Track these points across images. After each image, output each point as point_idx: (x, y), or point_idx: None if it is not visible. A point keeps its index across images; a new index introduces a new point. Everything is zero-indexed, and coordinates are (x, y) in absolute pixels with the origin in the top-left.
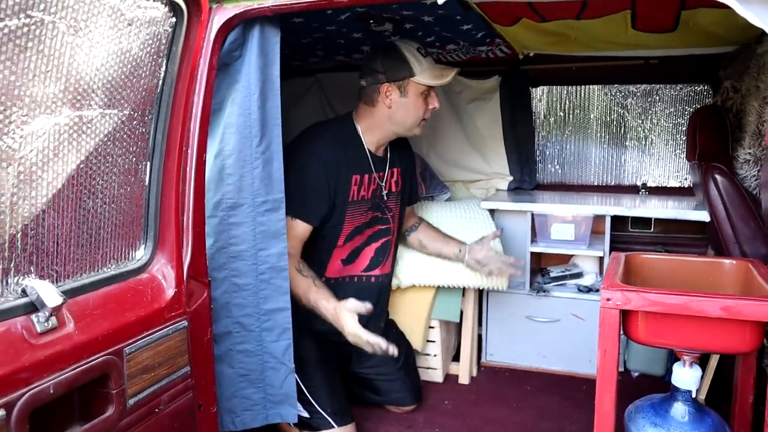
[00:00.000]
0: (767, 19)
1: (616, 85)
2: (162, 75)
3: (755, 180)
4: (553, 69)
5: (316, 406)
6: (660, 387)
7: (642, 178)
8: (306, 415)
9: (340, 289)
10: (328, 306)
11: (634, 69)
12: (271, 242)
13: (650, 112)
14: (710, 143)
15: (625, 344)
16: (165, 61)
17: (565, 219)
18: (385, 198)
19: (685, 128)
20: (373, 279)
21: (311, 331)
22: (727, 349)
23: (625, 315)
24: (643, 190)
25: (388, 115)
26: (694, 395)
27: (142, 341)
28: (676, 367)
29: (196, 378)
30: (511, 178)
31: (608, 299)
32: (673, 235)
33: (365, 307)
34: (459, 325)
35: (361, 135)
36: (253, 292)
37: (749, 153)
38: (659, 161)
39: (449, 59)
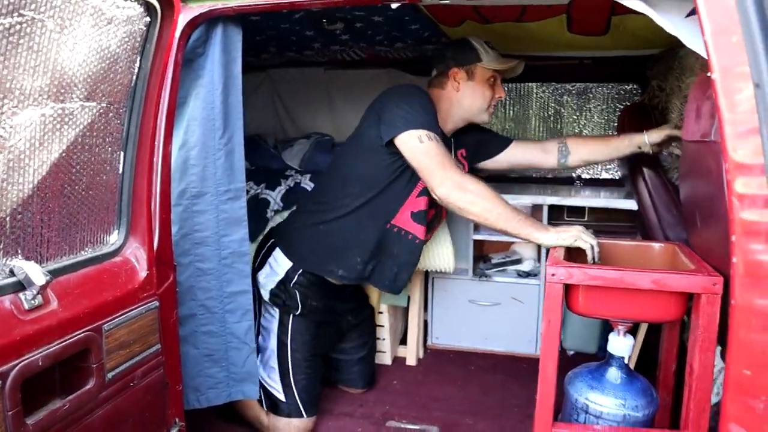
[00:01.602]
0: (680, 26)
1: (553, 83)
2: (136, 70)
3: (677, 172)
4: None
5: (295, 392)
6: (592, 361)
7: (577, 170)
8: (282, 398)
9: (397, 242)
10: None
11: (570, 68)
12: (233, 229)
13: (584, 108)
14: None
15: (561, 325)
16: (139, 58)
17: None
18: None
19: (615, 124)
20: (417, 240)
21: (329, 276)
22: (656, 318)
23: (568, 289)
24: (577, 182)
25: (457, 99)
26: (626, 361)
27: (119, 319)
28: (611, 336)
29: (165, 356)
30: None
31: (553, 274)
32: (604, 223)
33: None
34: (406, 310)
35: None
36: (217, 276)
37: (675, 145)
38: None
39: (396, 56)
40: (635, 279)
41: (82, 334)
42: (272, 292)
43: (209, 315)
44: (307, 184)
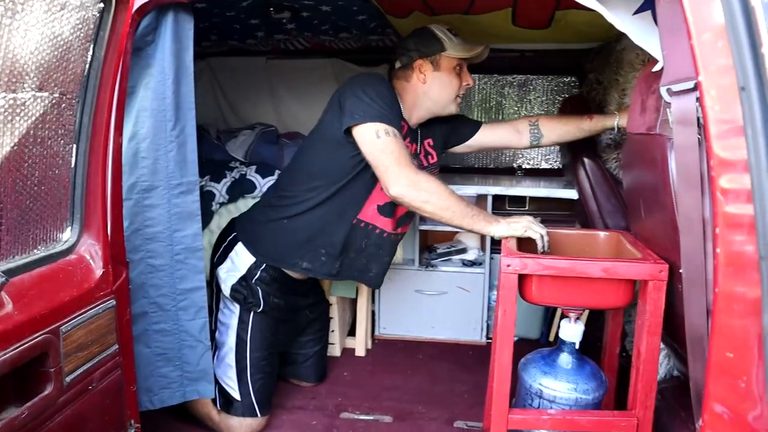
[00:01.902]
0: (628, 22)
1: (495, 75)
2: (89, 59)
3: (615, 162)
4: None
5: (251, 391)
6: (534, 348)
7: (518, 160)
8: (237, 397)
9: (365, 237)
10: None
11: (512, 60)
12: (186, 223)
13: (525, 100)
14: None
15: None
16: (92, 46)
17: None
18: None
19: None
20: (398, 237)
21: (293, 269)
22: (606, 305)
23: (521, 279)
24: (518, 172)
25: (423, 91)
26: (577, 347)
27: (76, 320)
28: (563, 323)
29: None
30: None
31: (508, 265)
32: (545, 212)
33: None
34: (353, 301)
35: (400, 102)
36: (169, 273)
37: (610, 138)
38: None
39: (341, 46)
40: (586, 268)
41: (40, 338)
42: (233, 288)
43: (162, 313)
44: (254, 176)
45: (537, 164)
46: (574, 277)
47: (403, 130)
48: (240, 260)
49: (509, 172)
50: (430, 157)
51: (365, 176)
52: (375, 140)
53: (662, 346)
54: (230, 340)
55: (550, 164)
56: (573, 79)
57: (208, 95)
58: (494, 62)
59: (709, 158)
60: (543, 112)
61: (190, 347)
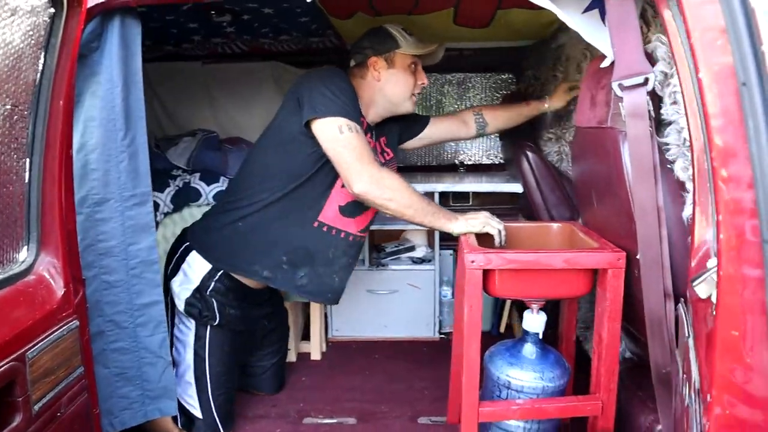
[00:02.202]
0: (578, 21)
1: (434, 73)
2: (41, 67)
3: (557, 155)
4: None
5: (213, 408)
6: (486, 339)
7: (459, 157)
8: (199, 415)
9: (332, 245)
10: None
11: (451, 59)
12: (141, 236)
13: (464, 97)
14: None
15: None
16: (44, 53)
17: None
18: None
19: None
20: (362, 239)
21: (253, 277)
22: (568, 294)
23: (485, 274)
24: (461, 168)
25: (378, 88)
26: (540, 337)
27: (42, 344)
28: (526, 314)
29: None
30: None
31: (472, 261)
32: (488, 207)
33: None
34: (305, 304)
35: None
36: (125, 288)
37: (552, 132)
38: (473, 142)
39: (281, 49)
40: (549, 260)
41: (6, 366)
42: (188, 302)
43: (119, 331)
44: (198, 184)
45: (478, 160)
46: (537, 270)
47: (362, 126)
48: (193, 271)
49: (452, 168)
50: (386, 154)
51: (324, 174)
52: (337, 136)
53: None
54: (188, 357)
55: (491, 159)
56: (510, 76)
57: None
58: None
59: (709, 150)
60: None
61: (150, 364)
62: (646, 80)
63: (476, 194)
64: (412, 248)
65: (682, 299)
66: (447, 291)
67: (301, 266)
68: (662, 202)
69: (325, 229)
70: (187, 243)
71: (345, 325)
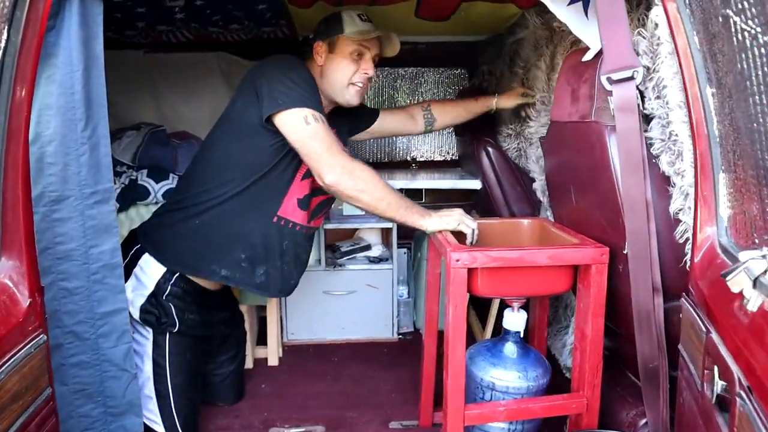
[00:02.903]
0: (564, 13)
1: (386, 68)
2: (3, 45)
3: (516, 151)
4: None
5: (177, 421)
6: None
7: (412, 153)
8: (161, 430)
9: (289, 238)
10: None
11: (404, 53)
12: (103, 237)
13: (417, 92)
14: (480, 120)
15: (413, 306)
16: (7, 27)
17: None
18: None
19: None
20: (311, 231)
21: (211, 277)
22: (550, 291)
23: (467, 273)
24: (413, 165)
25: (322, 74)
26: (521, 335)
27: (9, 364)
28: (507, 312)
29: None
30: None
31: (457, 260)
32: (441, 204)
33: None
34: (259, 308)
35: None
36: (86, 296)
37: (511, 128)
38: (426, 138)
39: (230, 39)
40: (533, 257)
41: None
42: (143, 309)
43: (79, 343)
44: (146, 181)
45: (431, 156)
46: (521, 267)
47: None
48: (146, 275)
49: (404, 165)
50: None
51: (284, 167)
52: (304, 127)
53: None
54: (147, 369)
55: (444, 156)
56: (463, 71)
57: None
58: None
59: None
60: None
61: (113, 378)
62: (634, 74)
63: (429, 191)
64: (368, 247)
65: (686, 294)
66: (403, 291)
67: (261, 263)
68: (650, 196)
69: (282, 223)
70: (139, 245)
71: (300, 328)
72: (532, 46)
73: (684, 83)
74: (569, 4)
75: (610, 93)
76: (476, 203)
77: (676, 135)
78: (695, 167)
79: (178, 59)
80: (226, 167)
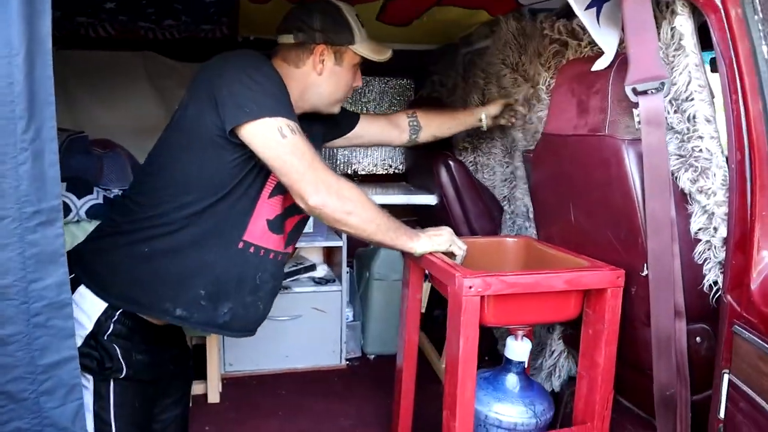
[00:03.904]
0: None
1: None
2: None
3: (472, 165)
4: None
5: None
6: (395, 362)
7: (353, 166)
8: None
9: (260, 268)
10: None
11: None
12: (48, 269)
13: (360, 102)
14: None
15: (360, 330)
16: None
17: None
18: None
19: None
20: (286, 257)
21: (163, 317)
22: (561, 318)
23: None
24: (355, 178)
25: (315, 83)
26: (525, 366)
27: None
28: (510, 341)
29: None
30: None
31: (470, 287)
32: None
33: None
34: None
35: None
36: (25, 344)
37: (468, 141)
38: (368, 151)
39: (159, 37)
40: (550, 281)
41: None
42: (81, 353)
43: (14, 405)
44: (66, 196)
45: (373, 170)
46: (533, 293)
47: None
48: (83, 312)
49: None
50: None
51: (248, 184)
52: (280, 140)
53: (562, 346)
54: (87, 426)
55: (387, 169)
56: (409, 81)
57: None
58: None
59: None
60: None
61: None
62: (662, 85)
63: None
64: (312, 267)
65: (742, 322)
66: (349, 313)
67: (224, 299)
68: (674, 215)
69: (252, 250)
70: (72, 275)
71: (240, 358)
72: (500, 55)
73: (743, 96)
74: (586, 8)
75: (635, 105)
76: (425, 219)
77: (700, 151)
78: (752, 187)
79: (97, 58)
80: (180, 186)
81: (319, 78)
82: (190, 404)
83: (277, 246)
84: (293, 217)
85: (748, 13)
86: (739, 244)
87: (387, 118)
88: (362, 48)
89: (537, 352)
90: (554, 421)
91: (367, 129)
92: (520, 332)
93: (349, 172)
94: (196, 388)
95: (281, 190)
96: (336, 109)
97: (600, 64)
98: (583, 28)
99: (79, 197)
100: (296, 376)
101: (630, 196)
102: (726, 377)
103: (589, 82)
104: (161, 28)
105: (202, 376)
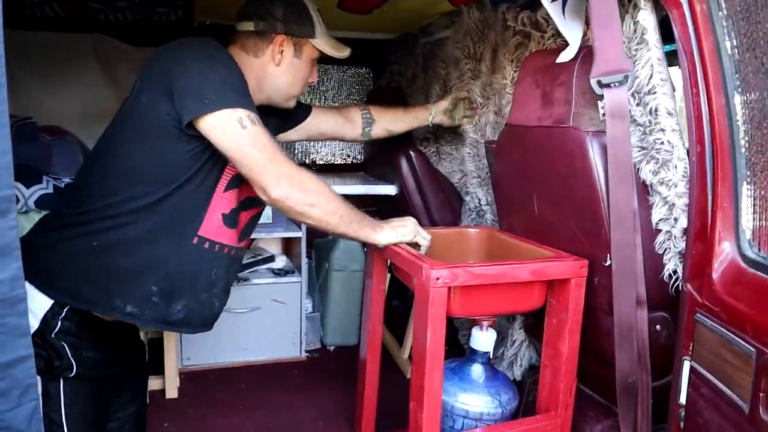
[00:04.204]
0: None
1: None
2: None
3: (434, 155)
4: (227, 42)
5: None
6: (356, 353)
7: (311, 156)
8: None
9: (215, 263)
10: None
11: None
12: (1, 263)
13: (319, 91)
14: None
15: (319, 322)
16: None
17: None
18: None
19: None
20: (239, 252)
21: (113, 313)
22: (526, 308)
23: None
24: (313, 168)
25: (272, 73)
26: (490, 356)
27: None
28: (475, 331)
29: None
30: None
31: (438, 278)
32: None
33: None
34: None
35: None
36: None
37: (429, 132)
38: (326, 141)
39: (111, 19)
40: (515, 272)
41: None
42: None
43: None
44: (16, 186)
45: (330, 160)
46: (500, 283)
47: None
48: (29, 310)
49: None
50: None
51: (203, 176)
52: (240, 131)
53: (524, 336)
54: None
55: (345, 159)
56: (368, 70)
57: None
58: None
59: None
60: (336, 104)
61: None
62: (626, 78)
63: None
64: (271, 258)
65: (703, 310)
66: (308, 304)
67: (178, 296)
68: (637, 206)
69: (206, 245)
70: None
71: (198, 352)
72: (461, 45)
73: (706, 90)
74: (552, 1)
75: (600, 97)
76: (385, 210)
77: (662, 143)
78: (713, 178)
79: (43, 40)
80: (132, 177)
81: (277, 69)
82: (147, 400)
83: (230, 240)
84: (249, 210)
85: (713, 9)
86: (699, 235)
87: (339, 111)
88: (322, 43)
89: (498, 342)
90: (518, 410)
91: (319, 121)
92: (485, 322)
93: (307, 161)
94: (154, 384)
95: (237, 183)
96: (291, 104)
97: (564, 57)
98: (547, 20)
99: (28, 186)
100: (256, 369)
101: (594, 187)
102: (687, 364)
103: (554, 74)
104: (113, 10)
105: (160, 371)
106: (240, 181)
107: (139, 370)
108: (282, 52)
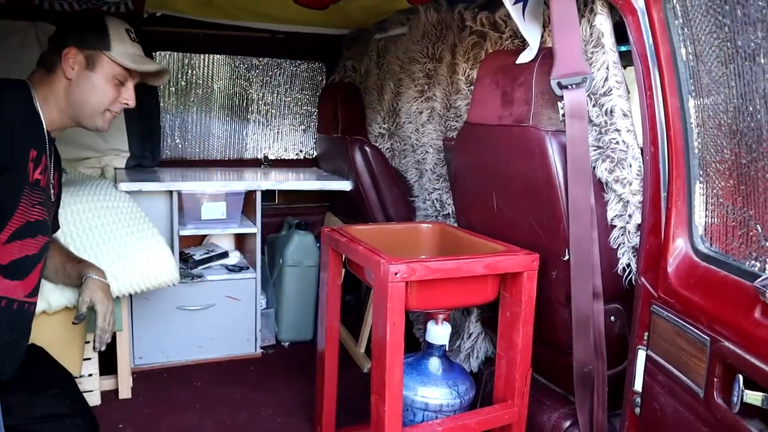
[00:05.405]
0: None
1: (240, 57)
2: None
3: (389, 151)
4: (178, 33)
5: None
6: (311, 348)
7: (263, 151)
8: None
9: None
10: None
11: (260, 42)
12: None
13: (271, 85)
14: (351, 118)
15: (274, 318)
16: None
17: (216, 197)
18: (52, 200)
19: (303, 103)
20: (32, 308)
21: None
22: (481, 301)
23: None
24: (264, 164)
25: (66, 89)
26: (447, 349)
27: None
28: (430, 326)
29: None
30: (129, 155)
31: (396, 273)
32: (294, 205)
33: None
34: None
35: (37, 104)
36: None
37: (384, 128)
38: (279, 135)
39: (57, 8)
40: (470, 266)
41: None
42: None
43: None
44: None
45: (283, 155)
46: (455, 278)
47: (39, 151)
48: None
49: (254, 164)
50: (54, 187)
51: None
52: None
53: (480, 328)
54: None
55: (298, 154)
56: (321, 64)
57: None
58: (240, 42)
59: None
60: (289, 100)
61: None
62: (584, 80)
63: (282, 192)
64: (224, 254)
65: (659, 302)
66: (262, 300)
67: None
68: (593, 202)
69: None
70: None
71: (150, 350)
72: (417, 44)
73: (662, 93)
74: (514, 3)
75: (560, 98)
76: (338, 206)
77: (617, 143)
78: (668, 177)
79: None
80: None
81: (69, 83)
82: (100, 401)
83: (13, 293)
84: (42, 261)
85: (669, 17)
86: (653, 230)
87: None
88: (119, 56)
89: (453, 335)
90: (475, 401)
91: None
92: (440, 316)
93: (259, 156)
94: (106, 384)
95: (21, 235)
96: (99, 123)
97: (524, 58)
98: (506, 21)
99: None
100: (210, 367)
101: (553, 184)
102: (642, 353)
103: (514, 74)
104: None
105: (112, 370)
106: (25, 234)
107: (45, 366)
108: (72, 65)
